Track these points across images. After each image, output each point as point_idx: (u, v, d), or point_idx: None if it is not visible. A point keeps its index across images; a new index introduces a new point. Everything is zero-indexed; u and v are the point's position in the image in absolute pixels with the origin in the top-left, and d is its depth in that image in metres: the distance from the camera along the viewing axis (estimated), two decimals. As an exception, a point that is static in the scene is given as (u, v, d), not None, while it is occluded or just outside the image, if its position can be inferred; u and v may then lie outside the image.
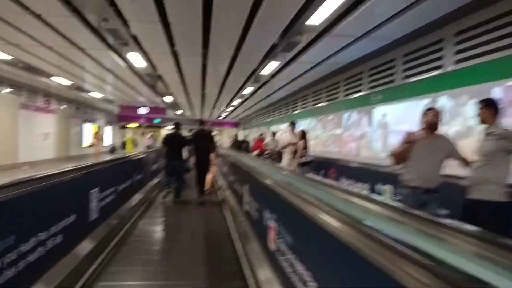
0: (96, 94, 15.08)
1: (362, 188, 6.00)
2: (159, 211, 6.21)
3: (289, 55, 7.39)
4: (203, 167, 6.66)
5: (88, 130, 18.02)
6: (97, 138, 11.78)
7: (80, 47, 7.15)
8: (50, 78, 10.79)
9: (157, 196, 7.39)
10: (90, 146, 12.43)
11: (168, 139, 6.83)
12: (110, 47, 7.12)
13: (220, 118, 26.57)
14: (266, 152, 9.64)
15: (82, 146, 17.19)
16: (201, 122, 7.29)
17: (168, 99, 15.70)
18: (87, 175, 3.45)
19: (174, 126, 6.91)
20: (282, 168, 4.95)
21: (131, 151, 16.15)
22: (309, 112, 11.06)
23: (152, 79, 11.11)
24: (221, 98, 14.88)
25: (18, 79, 11.29)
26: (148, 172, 7.55)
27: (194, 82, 11.12)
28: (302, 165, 6.80)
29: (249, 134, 21.20)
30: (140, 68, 8.98)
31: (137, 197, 6.04)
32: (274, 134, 10.11)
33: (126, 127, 26.70)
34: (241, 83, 10.90)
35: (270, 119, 17.32)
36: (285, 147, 7.34)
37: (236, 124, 28.34)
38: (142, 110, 17.63)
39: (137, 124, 24.58)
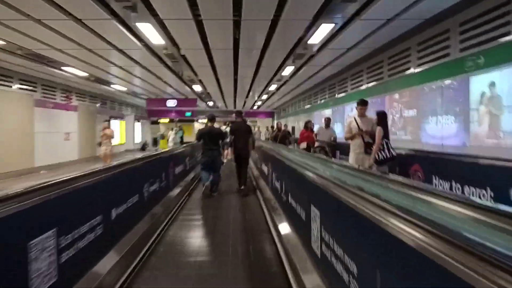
0: (119, 87, 13.80)
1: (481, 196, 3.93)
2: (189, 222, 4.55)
3: (350, 10, 5.39)
4: (242, 159, 6.84)
5: (117, 127, 16.96)
6: (104, 135, 10.19)
7: (76, 18, 5.55)
8: (62, 68, 9.46)
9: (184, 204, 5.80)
10: (99, 145, 10.93)
11: (202, 134, 6.67)
12: (114, 15, 5.49)
13: (254, 108, 24.91)
14: (316, 145, 7.59)
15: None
16: (239, 113, 7.18)
17: (197, 88, 14.17)
18: (22, 213, 1.74)
19: (208, 120, 6.85)
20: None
21: (164, 147, 15.07)
22: (363, 92, 8.92)
23: (175, 64, 9.50)
24: (255, 83, 13.04)
25: (30, 73, 10.12)
26: (169, 178, 5.91)
27: (224, 63, 9.35)
28: (381, 162, 4.71)
29: (288, 124, 19.26)
30: (159, 46, 7.33)
31: (143, 225, 4.37)
32: (329, 120, 7.86)
33: (159, 123, 25.70)
34: (281, 60, 8.96)
35: (309, 105, 15.31)
36: (352, 137, 5.18)
37: (270, 114, 26.67)
38: (171, 103, 16.18)
39: (167, 120, 23.46)
